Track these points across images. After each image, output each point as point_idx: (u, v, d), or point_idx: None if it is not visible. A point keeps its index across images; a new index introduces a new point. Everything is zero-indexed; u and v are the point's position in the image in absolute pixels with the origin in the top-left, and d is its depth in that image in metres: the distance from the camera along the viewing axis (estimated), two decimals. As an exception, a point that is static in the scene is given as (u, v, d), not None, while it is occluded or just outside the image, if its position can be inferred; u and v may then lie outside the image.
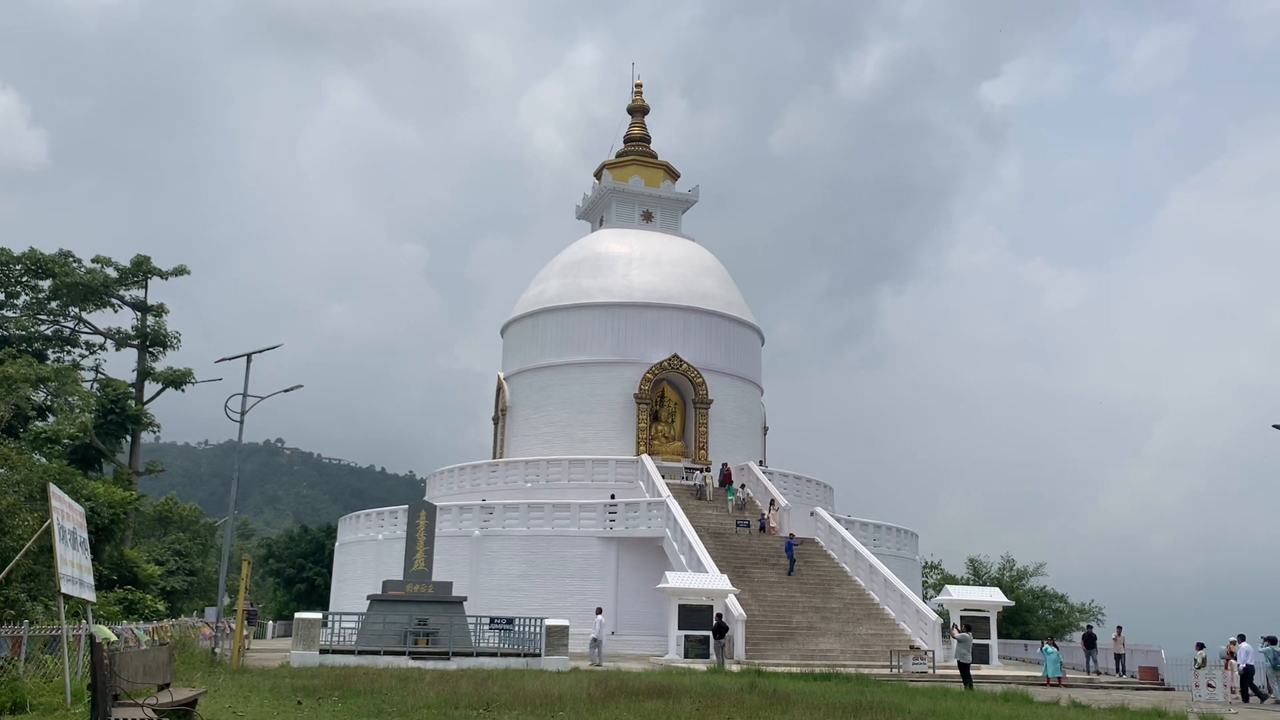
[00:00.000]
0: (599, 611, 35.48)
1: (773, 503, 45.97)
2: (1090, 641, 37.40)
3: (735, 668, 30.12)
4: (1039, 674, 32.69)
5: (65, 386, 41.85)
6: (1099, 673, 35.78)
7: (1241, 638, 28.69)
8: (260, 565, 72.61)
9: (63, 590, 15.49)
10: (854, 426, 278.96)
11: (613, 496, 45.08)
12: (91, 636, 12.61)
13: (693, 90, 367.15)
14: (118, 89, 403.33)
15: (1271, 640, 27.67)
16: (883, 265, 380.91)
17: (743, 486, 47.84)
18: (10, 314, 48.01)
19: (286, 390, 33.82)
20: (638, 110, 64.68)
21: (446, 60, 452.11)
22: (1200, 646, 30.26)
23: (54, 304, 48.98)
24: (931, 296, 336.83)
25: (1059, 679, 30.87)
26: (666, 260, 56.67)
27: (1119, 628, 36.62)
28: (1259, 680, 28.00)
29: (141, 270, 49.51)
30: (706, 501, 46.71)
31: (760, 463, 53.29)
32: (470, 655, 28.43)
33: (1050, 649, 32.12)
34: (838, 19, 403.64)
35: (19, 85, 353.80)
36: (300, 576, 70.62)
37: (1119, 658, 35.52)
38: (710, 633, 32.34)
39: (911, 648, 34.36)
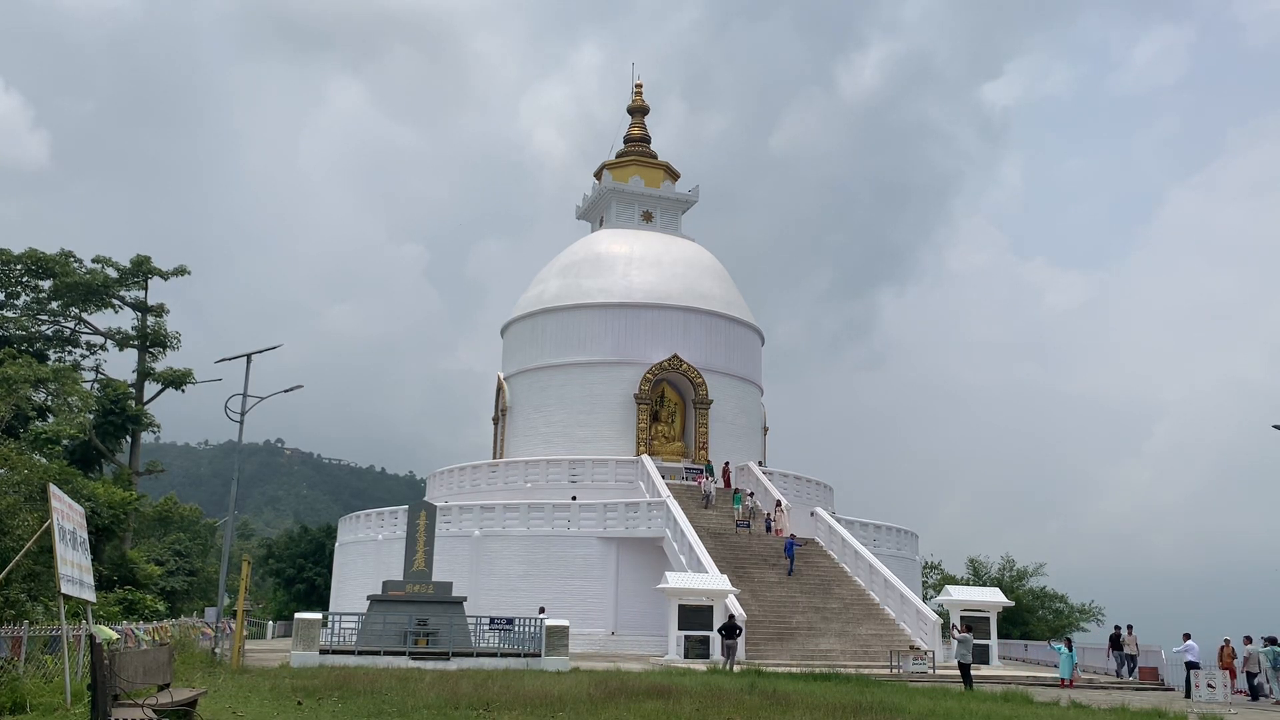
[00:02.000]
0: (541, 610, 35.26)
1: (778, 504, 45.76)
2: (1119, 643, 35.78)
3: (735, 668, 30.09)
4: (1040, 674, 32.54)
5: (65, 387, 41.81)
6: (1125, 676, 34.53)
7: (1186, 636, 30.03)
8: (260, 565, 72.58)
9: (63, 590, 15.48)
10: (854, 427, 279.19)
11: (574, 498, 45.19)
12: (91, 637, 12.61)
13: (693, 92, 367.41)
14: (120, 90, 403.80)
15: (1272, 640, 27.94)
16: (883, 266, 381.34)
17: (751, 495, 47.01)
18: (10, 314, 47.96)
19: (286, 390, 33.82)
20: (638, 110, 64.63)
21: (448, 62, 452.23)
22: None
23: (54, 304, 48.93)
24: (932, 297, 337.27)
25: (1069, 680, 30.69)
26: (666, 260, 56.64)
27: (1129, 627, 36.18)
28: (1260, 680, 28.31)
29: (142, 270, 49.47)
30: (713, 509, 45.68)
31: (760, 463, 53.27)
32: (470, 655, 28.42)
33: (1064, 649, 31.85)
34: (838, 21, 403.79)
35: (22, 87, 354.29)
36: (300, 577, 70.61)
37: (1131, 658, 35.12)
38: (720, 632, 31.97)
39: (911, 648, 34.33)
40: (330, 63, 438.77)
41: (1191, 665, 28.96)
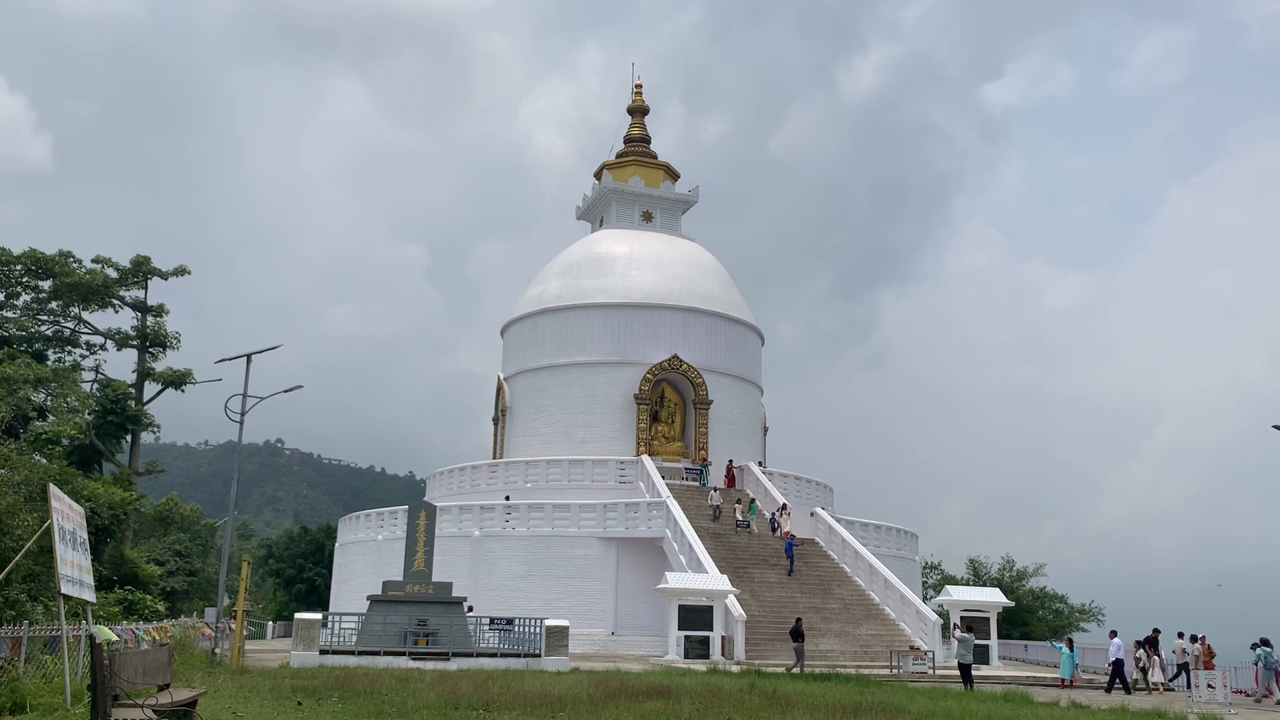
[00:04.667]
0: (470, 610, 35.04)
1: (784, 507, 45.23)
2: (1153, 645, 32.41)
3: (735, 668, 30.07)
4: (1040, 674, 32.54)
5: (64, 387, 41.77)
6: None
7: (1113, 634, 30.99)
8: (260, 566, 72.54)
9: (63, 591, 15.46)
10: (854, 427, 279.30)
11: (507, 498, 45.31)
12: (91, 637, 12.60)
13: (693, 94, 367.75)
14: (122, 92, 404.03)
15: (1264, 642, 28.34)
16: (884, 267, 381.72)
17: (775, 515, 45.10)
18: (10, 314, 47.94)
19: (286, 391, 33.84)
20: (638, 110, 64.54)
21: (448, 63, 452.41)
22: (1140, 644, 31.91)
23: (54, 304, 48.92)
24: (932, 298, 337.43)
25: (1069, 680, 30.77)
26: (667, 260, 56.61)
27: (1180, 634, 33.78)
28: (1254, 682, 28.60)
29: (141, 270, 49.44)
30: (722, 524, 43.81)
31: (760, 463, 53.24)
32: (470, 656, 28.42)
33: (1065, 649, 31.86)
34: (839, 23, 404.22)
35: (26, 89, 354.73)
36: (300, 577, 70.57)
37: (1183, 665, 33.94)
38: (790, 635, 31.98)
39: (911, 648, 34.34)
40: (332, 64, 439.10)
41: (1118, 663, 29.53)
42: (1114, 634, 31.15)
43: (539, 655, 28.36)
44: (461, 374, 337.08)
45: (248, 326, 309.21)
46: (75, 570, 16.17)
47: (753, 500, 46.51)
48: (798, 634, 31.46)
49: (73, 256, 48.40)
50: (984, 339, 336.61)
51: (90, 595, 17.30)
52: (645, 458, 48.92)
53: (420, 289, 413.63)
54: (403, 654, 28.11)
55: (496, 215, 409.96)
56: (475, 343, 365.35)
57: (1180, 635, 32.03)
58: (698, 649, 33.35)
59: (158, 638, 25.78)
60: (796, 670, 29.58)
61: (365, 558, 47.64)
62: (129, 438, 49.10)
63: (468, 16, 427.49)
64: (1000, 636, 40.85)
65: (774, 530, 43.66)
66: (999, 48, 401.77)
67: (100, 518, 36.79)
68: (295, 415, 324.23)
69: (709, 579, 35.12)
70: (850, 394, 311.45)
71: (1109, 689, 28.95)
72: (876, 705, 18.16)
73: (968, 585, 54.17)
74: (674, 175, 62.86)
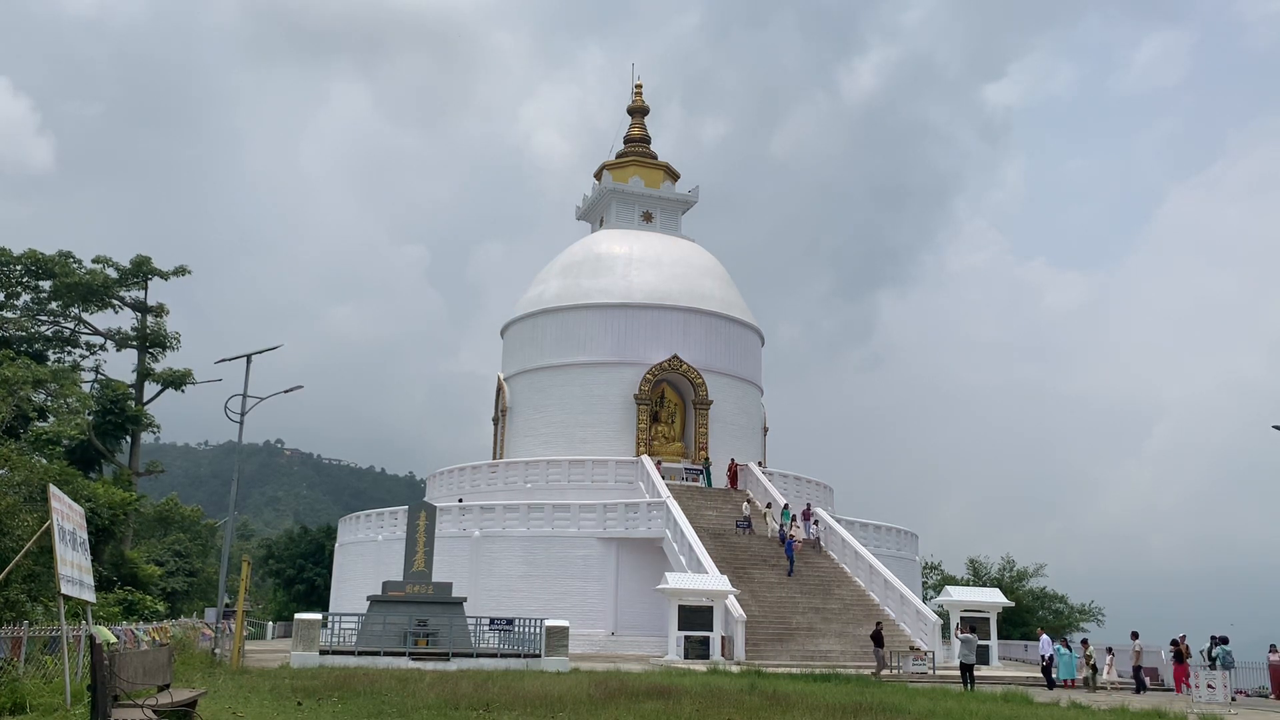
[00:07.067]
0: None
1: (794, 517, 44.46)
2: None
3: (735, 668, 30.08)
4: (1040, 675, 32.61)
5: (64, 388, 41.78)
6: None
7: (1041, 630, 32.92)
8: (260, 566, 72.52)
9: (62, 591, 15.45)
10: (854, 427, 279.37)
11: (460, 500, 44.82)
12: (91, 637, 12.60)
13: (693, 96, 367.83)
14: (125, 94, 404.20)
15: (1223, 640, 28.47)
16: (884, 268, 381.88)
17: (782, 525, 44.22)
18: (10, 314, 47.93)
19: (286, 391, 33.81)
20: (638, 111, 64.51)
21: (451, 65, 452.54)
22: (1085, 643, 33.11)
23: (54, 304, 48.92)
24: (932, 299, 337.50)
25: (1070, 681, 30.91)
26: (666, 261, 56.58)
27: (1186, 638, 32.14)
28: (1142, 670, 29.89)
29: (141, 271, 49.45)
30: (755, 537, 43.01)
31: (760, 463, 53.22)
32: (470, 656, 28.41)
33: (1063, 650, 31.96)
34: (840, 25, 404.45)
35: (30, 91, 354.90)
36: (300, 577, 70.58)
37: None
38: (872, 639, 32.03)
39: (911, 648, 34.36)
40: (334, 66, 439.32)
41: (1048, 660, 30.45)
42: (1041, 630, 32.77)
43: (539, 655, 28.35)
44: (462, 374, 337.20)
45: (248, 326, 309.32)
46: (75, 570, 16.16)
47: (785, 505, 45.57)
48: (879, 638, 31.62)
49: (73, 257, 48.42)
50: (984, 339, 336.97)
51: (90, 595, 17.29)
52: (645, 458, 48.90)
53: (420, 289, 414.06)
54: (403, 654, 28.10)
55: (497, 215, 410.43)
56: (475, 343, 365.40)
57: (1135, 635, 31.81)
58: (698, 649, 33.34)
59: (157, 638, 25.79)
60: (879, 675, 29.51)
61: (365, 558, 47.63)
62: (129, 438, 49.10)
63: (470, 18, 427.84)
64: (1000, 637, 40.88)
65: (782, 539, 42.51)
66: (1000, 48, 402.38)
67: (100, 518, 36.76)
68: (295, 415, 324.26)
69: (709, 579, 35.12)
70: (850, 394, 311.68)
71: (1050, 685, 29.48)
72: (876, 705, 18.16)
73: (968, 585, 54.15)
74: (674, 176, 62.82)
